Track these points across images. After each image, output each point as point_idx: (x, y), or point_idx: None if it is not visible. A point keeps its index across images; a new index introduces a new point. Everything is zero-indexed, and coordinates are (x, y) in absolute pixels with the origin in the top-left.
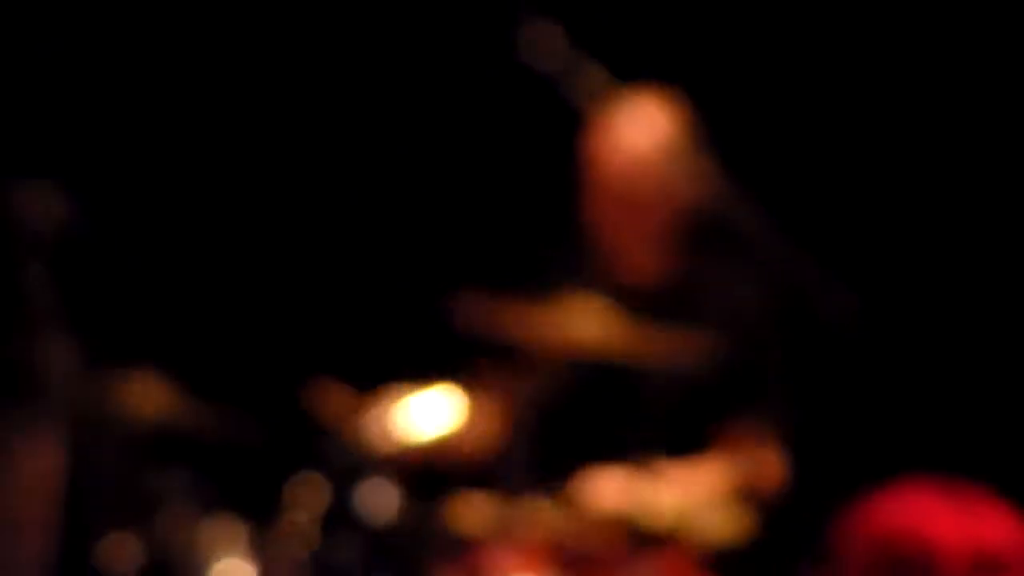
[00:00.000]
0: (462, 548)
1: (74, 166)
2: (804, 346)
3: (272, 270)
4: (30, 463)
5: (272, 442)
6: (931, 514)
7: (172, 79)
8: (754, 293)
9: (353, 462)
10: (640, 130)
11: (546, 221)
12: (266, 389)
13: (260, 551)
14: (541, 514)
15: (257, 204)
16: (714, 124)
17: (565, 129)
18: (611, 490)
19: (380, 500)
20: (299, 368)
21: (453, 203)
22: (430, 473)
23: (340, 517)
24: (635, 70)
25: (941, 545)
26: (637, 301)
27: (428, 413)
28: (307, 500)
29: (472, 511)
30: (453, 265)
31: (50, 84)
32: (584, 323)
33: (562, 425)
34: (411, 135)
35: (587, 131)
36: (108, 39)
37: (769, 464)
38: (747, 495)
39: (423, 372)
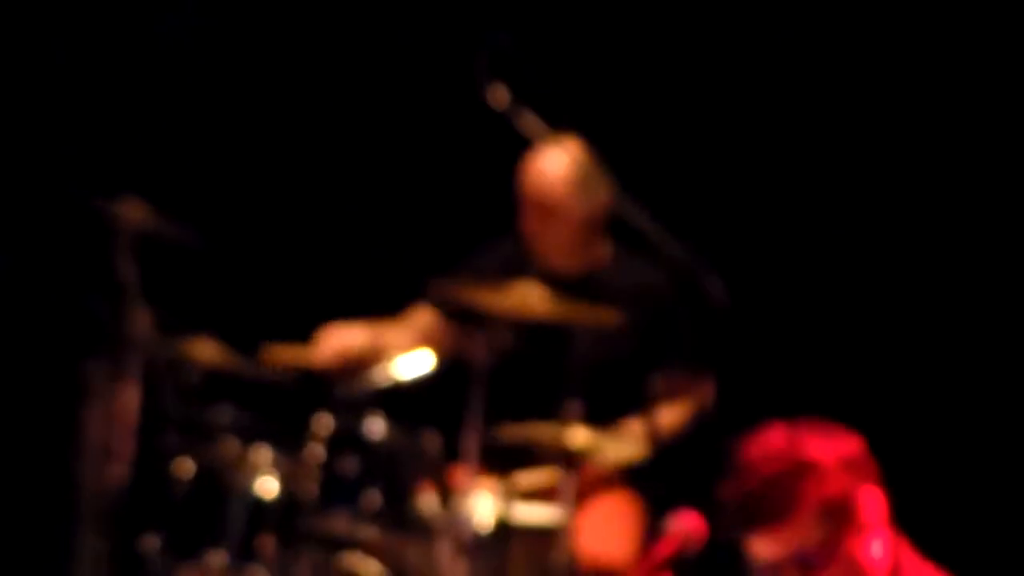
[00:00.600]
0: (437, 468)
1: (153, 186)
2: (697, 317)
3: (295, 260)
4: (117, 401)
5: (295, 386)
6: (804, 437)
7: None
8: (655, 273)
9: (355, 400)
10: (558, 161)
11: (495, 222)
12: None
13: (285, 469)
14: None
15: (282, 210)
16: (613, 158)
17: (513, 154)
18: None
19: (375, 429)
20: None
21: (428, 207)
22: (416, 410)
23: (344, 442)
24: (558, 120)
25: (816, 456)
26: (563, 285)
27: (410, 365)
28: (320, 429)
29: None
30: (429, 253)
31: (142, 125)
32: (524, 300)
33: (508, 378)
34: (403, 157)
35: (522, 160)
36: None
37: (673, 411)
38: (648, 432)
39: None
